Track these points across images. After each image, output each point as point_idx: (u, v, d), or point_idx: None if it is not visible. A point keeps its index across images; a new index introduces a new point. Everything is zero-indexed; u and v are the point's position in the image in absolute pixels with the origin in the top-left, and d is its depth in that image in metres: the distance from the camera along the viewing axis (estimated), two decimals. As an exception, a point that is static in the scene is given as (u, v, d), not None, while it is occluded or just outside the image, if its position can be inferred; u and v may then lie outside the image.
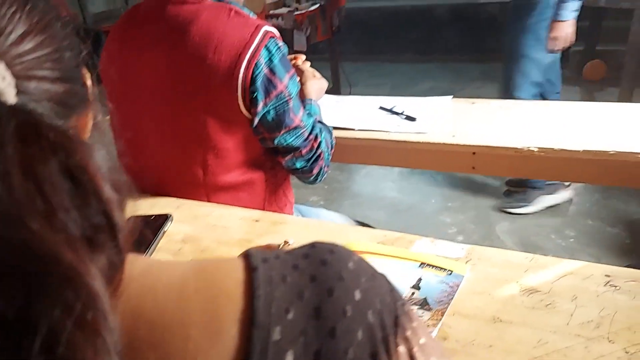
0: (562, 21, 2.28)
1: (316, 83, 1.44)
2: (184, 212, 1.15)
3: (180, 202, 1.19)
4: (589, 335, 0.72)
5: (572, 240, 2.42)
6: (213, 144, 1.15)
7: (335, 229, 1.07)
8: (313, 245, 0.43)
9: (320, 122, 1.32)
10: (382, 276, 0.43)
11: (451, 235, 2.54)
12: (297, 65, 1.46)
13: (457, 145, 1.37)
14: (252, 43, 1.08)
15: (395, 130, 1.46)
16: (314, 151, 1.23)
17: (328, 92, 1.57)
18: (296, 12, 3.76)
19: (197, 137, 1.15)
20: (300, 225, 1.08)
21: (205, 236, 1.05)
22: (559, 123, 1.40)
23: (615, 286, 0.80)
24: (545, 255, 2.34)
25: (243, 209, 1.15)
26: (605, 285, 0.81)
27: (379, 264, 0.95)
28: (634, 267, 1.36)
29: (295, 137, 1.18)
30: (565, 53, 4.70)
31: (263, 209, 1.27)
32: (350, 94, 4.50)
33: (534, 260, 0.89)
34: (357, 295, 0.39)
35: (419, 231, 2.73)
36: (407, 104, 1.61)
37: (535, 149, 1.29)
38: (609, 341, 0.70)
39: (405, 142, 1.41)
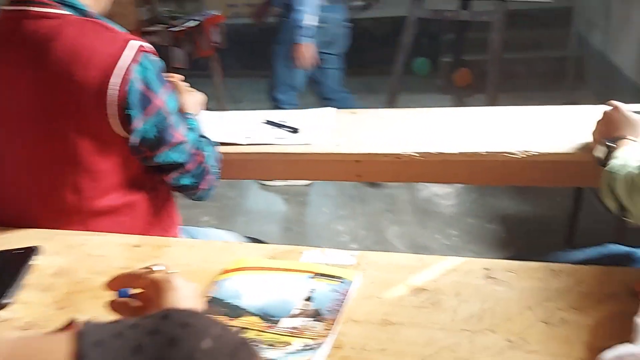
0: (299, 44, 2.71)
1: (191, 96, 1.40)
2: (56, 243, 1.05)
3: (54, 232, 1.09)
4: (473, 329, 0.74)
5: (455, 238, 2.56)
6: (86, 165, 1.07)
7: (222, 247, 1.03)
8: (165, 316, 0.37)
9: (202, 136, 1.28)
10: (247, 350, 0.38)
11: (344, 243, 2.59)
12: (170, 81, 1.41)
13: (341, 154, 1.38)
14: (124, 58, 1.03)
15: (280, 142, 1.45)
16: (200, 166, 1.19)
17: (212, 109, 1.53)
18: (173, 29, 3.66)
19: (67, 160, 1.06)
20: (186, 247, 1.03)
21: (80, 267, 0.97)
22: (436, 128, 1.47)
23: (494, 278, 0.84)
24: (432, 253, 2.44)
25: (121, 235, 1.08)
26: (485, 278, 0.85)
27: (270, 279, 0.92)
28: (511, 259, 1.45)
29: (179, 153, 1.14)
30: (436, 63, 5.02)
31: (147, 233, 1.20)
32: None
33: (420, 260, 0.91)
34: None
35: (313, 242, 2.75)
36: (292, 116, 1.61)
37: (416, 154, 1.34)
38: (492, 332, 0.73)
39: (290, 154, 1.40)
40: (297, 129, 1.50)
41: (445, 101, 4.46)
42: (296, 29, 2.68)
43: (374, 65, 5.25)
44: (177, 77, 1.44)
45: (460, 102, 4.43)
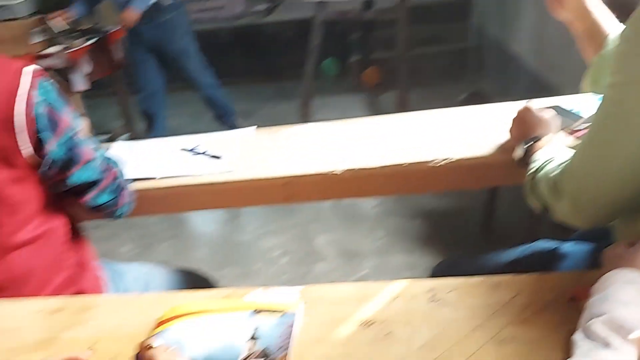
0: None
1: None
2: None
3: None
4: (428, 359, 0.73)
5: (383, 239, 2.59)
6: (4, 199, 1.03)
7: (156, 300, 0.96)
8: None
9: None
10: None
11: (276, 259, 2.55)
12: None
13: (266, 179, 1.34)
14: (22, 85, 1.00)
15: (201, 172, 1.39)
16: (115, 182, 1.18)
17: (119, 131, 1.47)
18: (70, 50, 3.44)
19: None
20: (115, 305, 0.95)
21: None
22: (356, 141, 1.46)
23: (439, 300, 0.84)
24: (364, 257, 2.44)
25: (36, 300, 0.98)
26: (430, 302, 0.84)
27: (210, 323, 0.87)
28: (444, 258, 1.47)
29: (91, 171, 1.11)
30: (345, 63, 5.08)
31: (64, 263, 1.14)
32: (145, 129, 4.28)
33: (363, 289, 0.89)
34: None
35: (243, 261, 2.69)
36: (210, 141, 1.55)
37: (339, 171, 1.32)
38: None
39: (213, 184, 1.34)
40: (219, 155, 1.44)
41: (357, 101, 4.52)
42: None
43: (284, 71, 5.23)
44: None
45: (371, 101, 4.50)
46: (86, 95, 3.76)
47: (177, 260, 2.58)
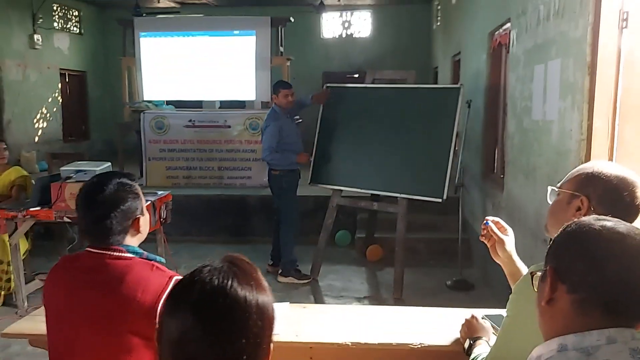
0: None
1: None
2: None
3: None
4: None
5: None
6: (136, 355, 1.60)
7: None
8: None
9: None
10: None
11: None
12: None
13: (298, 342, 1.98)
14: (167, 288, 1.62)
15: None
16: None
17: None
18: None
19: (123, 350, 1.59)
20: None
21: None
22: (364, 323, 2.11)
23: None
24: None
25: None
26: None
27: None
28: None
29: None
30: (353, 237, 5.84)
31: None
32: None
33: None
34: None
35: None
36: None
37: (350, 344, 1.96)
38: None
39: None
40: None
41: (360, 273, 5.21)
42: None
43: (302, 237, 6.00)
44: None
45: (372, 274, 5.19)
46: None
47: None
